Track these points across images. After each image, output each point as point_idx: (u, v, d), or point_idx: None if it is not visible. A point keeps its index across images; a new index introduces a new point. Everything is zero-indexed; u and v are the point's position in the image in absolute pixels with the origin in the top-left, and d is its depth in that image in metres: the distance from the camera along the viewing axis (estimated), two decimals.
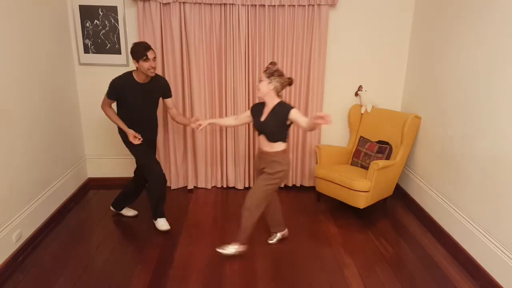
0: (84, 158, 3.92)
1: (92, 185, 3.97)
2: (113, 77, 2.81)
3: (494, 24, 2.50)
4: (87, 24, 3.56)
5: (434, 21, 3.27)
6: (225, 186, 4.03)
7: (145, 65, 2.71)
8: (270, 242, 2.99)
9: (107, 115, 2.92)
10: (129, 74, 2.82)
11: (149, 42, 3.52)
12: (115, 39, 3.60)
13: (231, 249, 2.74)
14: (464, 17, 2.83)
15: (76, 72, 3.69)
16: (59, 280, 2.49)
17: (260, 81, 2.57)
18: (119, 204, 3.31)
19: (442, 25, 3.15)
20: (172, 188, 3.97)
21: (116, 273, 2.59)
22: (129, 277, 2.54)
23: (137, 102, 2.86)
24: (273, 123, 2.56)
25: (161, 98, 3.06)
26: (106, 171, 3.99)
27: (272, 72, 2.52)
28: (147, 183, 3.05)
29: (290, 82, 2.60)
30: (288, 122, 2.55)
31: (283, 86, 2.57)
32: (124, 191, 3.24)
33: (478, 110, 2.64)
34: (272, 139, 2.59)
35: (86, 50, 3.62)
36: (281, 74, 2.54)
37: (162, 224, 3.10)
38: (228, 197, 3.81)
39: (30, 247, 2.83)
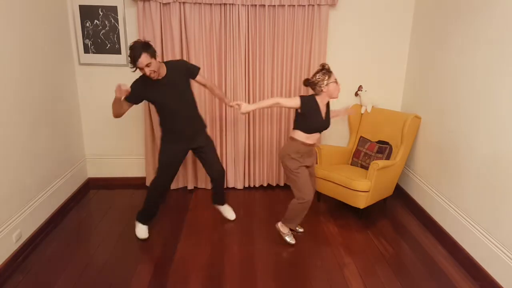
0: (84, 158, 3.92)
1: (92, 185, 3.97)
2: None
3: (494, 24, 2.50)
4: (87, 24, 3.56)
5: (434, 21, 3.27)
6: (224, 186, 4.02)
7: (142, 71, 2.54)
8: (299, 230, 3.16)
9: (112, 110, 2.68)
10: (144, 76, 2.63)
11: None
12: (115, 39, 3.60)
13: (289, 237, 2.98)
14: (464, 17, 2.83)
15: (76, 72, 3.69)
16: (59, 280, 2.49)
17: (337, 82, 2.69)
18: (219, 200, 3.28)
19: (442, 25, 3.15)
20: (172, 188, 3.98)
21: (116, 273, 2.59)
22: (129, 277, 2.54)
23: (166, 99, 2.65)
24: (329, 117, 2.80)
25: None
26: (106, 171, 3.99)
27: (326, 72, 2.68)
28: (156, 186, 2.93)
29: None
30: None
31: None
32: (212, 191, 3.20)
33: (478, 110, 2.64)
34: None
35: (86, 50, 3.62)
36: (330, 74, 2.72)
37: (141, 231, 3.02)
38: (228, 197, 3.81)
39: (30, 247, 2.83)
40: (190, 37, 3.52)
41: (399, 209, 3.62)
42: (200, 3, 3.46)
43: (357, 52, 3.77)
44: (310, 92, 2.76)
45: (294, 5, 3.51)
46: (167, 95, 2.66)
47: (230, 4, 3.46)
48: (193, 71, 2.82)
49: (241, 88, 3.69)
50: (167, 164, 2.85)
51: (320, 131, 2.78)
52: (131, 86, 2.60)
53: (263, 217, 3.40)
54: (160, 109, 2.73)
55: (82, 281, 2.49)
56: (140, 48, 2.46)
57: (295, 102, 2.68)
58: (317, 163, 3.65)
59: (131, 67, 2.56)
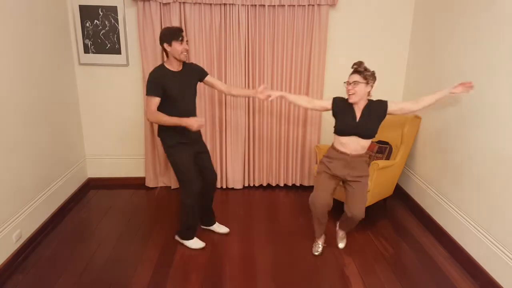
0: (84, 158, 3.92)
1: (92, 185, 3.97)
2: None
3: (495, 22, 2.50)
4: (87, 24, 3.56)
5: (434, 21, 3.27)
6: (224, 186, 4.03)
7: (178, 47, 2.50)
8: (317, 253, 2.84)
9: (159, 121, 2.53)
10: (161, 66, 2.59)
11: (149, 42, 3.53)
12: (115, 39, 3.60)
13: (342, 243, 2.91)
14: (464, 16, 2.83)
15: (76, 72, 3.69)
16: (59, 280, 2.49)
17: (355, 84, 2.44)
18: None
19: (442, 24, 3.15)
20: (172, 188, 3.98)
21: (116, 273, 2.59)
22: (129, 277, 2.55)
23: (180, 93, 2.59)
24: (372, 121, 2.49)
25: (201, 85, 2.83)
26: (106, 171, 3.99)
27: (371, 74, 2.47)
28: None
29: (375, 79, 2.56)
30: (384, 116, 2.53)
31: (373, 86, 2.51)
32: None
33: (478, 110, 2.64)
34: (368, 137, 2.52)
35: (86, 50, 3.62)
36: (374, 74, 2.48)
37: (194, 244, 2.90)
38: (228, 197, 3.82)
39: (30, 247, 2.83)
40: (190, 37, 3.52)
41: (399, 209, 3.62)
42: (200, 3, 3.46)
43: (357, 52, 3.77)
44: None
45: (294, 5, 3.51)
46: (181, 87, 2.61)
47: (230, 4, 3.46)
48: (204, 71, 2.85)
49: (241, 88, 3.69)
50: (187, 167, 2.68)
51: (348, 133, 2.52)
52: (152, 77, 2.52)
53: (263, 217, 3.40)
54: (172, 103, 2.57)
55: (82, 281, 2.49)
56: (179, 27, 2.59)
57: (328, 102, 2.65)
58: (316, 163, 3.65)
59: (170, 41, 2.50)
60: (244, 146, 3.88)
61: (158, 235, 3.05)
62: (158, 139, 3.81)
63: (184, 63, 2.68)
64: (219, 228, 3.14)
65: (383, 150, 3.53)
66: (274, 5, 3.51)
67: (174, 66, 2.60)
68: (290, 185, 4.06)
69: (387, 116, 3.71)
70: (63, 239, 2.99)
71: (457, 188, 2.88)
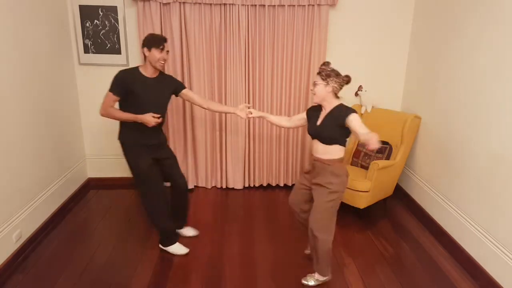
0: (84, 158, 3.92)
1: (92, 185, 3.97)
2: (113, 77, 2.70)
3: (494, 23, 2.50)
4: (87, 24, 3.56)
5: (434, 21, 3.27)
6: (224, 186, 4.03)
7: (157, 54, 2.48)
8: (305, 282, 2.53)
9: (111, 116, 2.53)
10: (135, 68, 2.58)
11: None
12: (115, 39, 3.60)
13: (312, 281, 2.49)
14: (464, 16, 2.83)
15: (76, 72, 3.69)
16: (59, 280, 2.49)
17: (315, 84, 2.32)
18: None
19: (442, 24, 3.15)
20: None
21: (116, 273, 2.59)
22: (129, 277, 2.54)
23: (149, 100, 2.55)
24: (330, 126, 2.30)
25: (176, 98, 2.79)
26: (106, 171, 3.99)
27: (329, 73, 2.28)
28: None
29: (348, 80, 2.33)
30: (346, 126, 2.26)
31: (341, 86, 2.32)
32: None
33: (478, 110, 2.64)
34: (329, 142, 2.32)
35: (86, 50, 3.62)
36: (338, 74, 2.30)
37: (176, 250, 2.82)
38: (228, 197, 3.82)
39: (30, 247, 2.83)
40: (190, 37, 3.52)
41: (399, 209, 3.62)
42: (200, 3, 3.46)
43: (357, 52, 3.77)
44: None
45: (294, 5, 3.51)
46: (150, 94, 2.57)
47: (230, 4, 3.46)
48: (181, 84, 2.79)
49: (241, 88, 3.69)
50: (146, 171, 2.61)
51: (312, 136, 2.42)
52: (120, 76, 2.50)
53: (263, 217, 3.40)
54: (140, 109, 2.52)
55: (82, 281, 2.49)
56: (165, 37, 2.57)
57: (304, 112, 2.57)
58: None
59: (150, 47, 2.48)
60: (244, 146, 3.88)
61: (158, 235, 3.04)
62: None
63: (160, 72, 2.65)
64: (189, 231, 3.06)
65: (383, 150, 3.53)
66: (274, 5, 3.51)
67: (148, 72, 2.57)
68: (290, 185, 4.06)
69: (387, 116, 3.67)
70: (63, 239, 2.99)
71: (457, 188, 2.88)
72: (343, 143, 2.35)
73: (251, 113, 2.75)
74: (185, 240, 2.97)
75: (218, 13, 3.51)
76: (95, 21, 3.55)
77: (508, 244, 2.33)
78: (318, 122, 2.38)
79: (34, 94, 2.95)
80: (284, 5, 3.50)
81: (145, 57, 2.54)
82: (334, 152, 2.34)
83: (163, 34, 3.51)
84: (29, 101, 2.88)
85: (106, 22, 3.56)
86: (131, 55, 3.67)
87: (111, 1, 3.50)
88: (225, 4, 3.48)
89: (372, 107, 3.77)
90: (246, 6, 3.49)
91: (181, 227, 3.05)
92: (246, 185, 4.03)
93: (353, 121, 2.20)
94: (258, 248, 2.91)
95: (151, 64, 2.54)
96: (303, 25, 3.58)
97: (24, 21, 2.81)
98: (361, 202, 3.21)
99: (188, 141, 3.82)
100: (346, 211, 3.53)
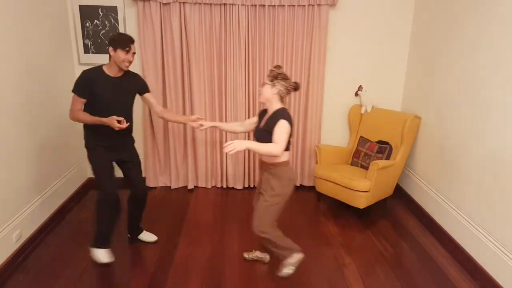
0: (84, 158, 3.91)
1: (92, 185, 3.96)
2: None
3: (494, 23, 2.50)
4: (87, 24, 3.56)
5: (434, 21, 3.27)
6: (224, 186, 4.03)
7: (122, 55, 2.42)
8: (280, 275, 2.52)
9: (80, 120, 2.47)
10: (99, 67, 2.51)
11: (149, 42, 3.54)
12: None
13: (287, 269, 2.46)
14: (464, 16, 2.83)
15: (76, 72, 3.68)
16: (59, 280, 2.49)
17: (262, 85, 2.34)
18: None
19: (442, 24, 3.15)
20: (172, 187, 3.98)
21: (116, 273, 2.59)
22: (129, 277, 2.54)
23: (112, 99, 2.51)
24: (268, 129, 2.27)
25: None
26: None
27: (276, 75, 2.29)
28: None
29: (295, 86, 2.33)
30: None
31: (287, 91, 2.31)
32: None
33: (478, 110, 2.64)
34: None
35: (86, 50, 3.62)
36: (285, 78, 2.30)
37: (101, 255, 2.68)
38: (228, 197, 3.82)
39: (30, 247, 2.83)
40: (190, 37, 3.52)
41: (399, 209, 3.62)
42: (200, 3, 3.46)
43: (357, 52, 3.77)
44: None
45: (294, 5, 3.51)
46: (113, 94, 2.52)
47: (230, 4, 3.46)
48: (146, 87, 2.74)
49: (241, 88, 3.69)
50: (100, 171, 2.60)
51: (256, 139, 2.39)
52: (83, 77, 2.45)
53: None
54: (104, 109, 2.49)
55: (82, 281, 2.49)
56: (132, 37, 2.49)
57: (255, 118, 2.56)
58: (317, 163, 3.65)
59: (116, 47, 2.42)
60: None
61: (158, 235, 3.05)
62: (158, 139, 3.81)
63: (126, 71, 2.58)
64: (146, 236, 2.98)
65: (383, 150, 3.53)
66: (274, 5, 3.51)
67: (112, 71, 2.51)
68: None
69: (387, 116, 3.68)
70: (63, 239, 2.99)
71: (457, 188, 2.88)
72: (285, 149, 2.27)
73: (202, 125, 2.70)
74: (186, 241, 2.98)
75: (218, 13, 3.51)
76: (95, 21, 3.55)
77: (507, 243, 2.33)
78: (261, 125, 2.38)
79: (34, 94, 2.95)
80: (284, 5, 3.50)
81: (110, 55, 2.48)
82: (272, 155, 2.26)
83: (163, 34, 3.51)
84: (29, 101, 2.87)
85: (106, 22, 3.56)
86: None
87: (111, 1, 3.50)
88: (225, 4, 3.48)
89: (372, 107, 3.77)
90: (246, 6, 3.49)
91: (138, 234, 2.97)
92: (246, 185, 4.03)
93: (277, 126, 2.20)
94: (258, 248, 2.91)
95: (116, 64, 2.48)
96: (303, 25, 3.58)
97: (24, 21, 2.81)
98: (361, 202, 3.21)
99: (188, 141, 3.82)
100: (346, 211, 3.53)
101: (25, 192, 2.84)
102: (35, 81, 2.95)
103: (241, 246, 2.94)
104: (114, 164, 2.72)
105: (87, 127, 2.58)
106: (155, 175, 3.97)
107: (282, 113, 2.26)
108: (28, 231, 2.86)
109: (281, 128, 2.20)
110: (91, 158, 2.63)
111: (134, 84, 2.67)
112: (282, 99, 2.35)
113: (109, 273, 2.58)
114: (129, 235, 3.00)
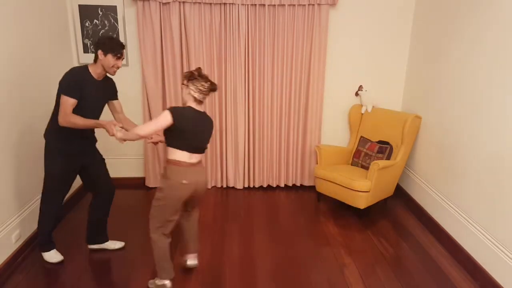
0: None
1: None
2: (112, 77, 2.65)
3: (495, 23, 2.49)
4: (87, 24, 3.55)
5: (434, 21, 3.27)
6: (224, 186, 4.02)
7: (112, 61, 2.36)
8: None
9: (75, 124, 2.32)
10: (85, 68, 2.42)
11: (149, 42, 3.53)
12: None
13: (152, 284, 2.40)
14: (464, 16, 2.83)
15: None
16: (59, 280, 2.49)
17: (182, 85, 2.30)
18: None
19: (442, 24, 3.15)
20: None
21: (116, 273, 2.59)
22: (129, 277, 2.54)
23: (92, 101, 2.44)
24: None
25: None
26: None
27: (188, 75, 2.23)
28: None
29: (211, 87, 2.24)
30: (172, 127, 2.17)
31: (200, 91, 2.21)
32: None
33: (478, 110, 2.64)
34: (166, 142, 2.27)
35: (86, 50, 3.62)
36: (197, 79, 2.22)
37: (50, 257, 2.68)
38: (228, 197, 3.81)
39: (30, 247, 2.82)
40: (190, 37, 3.51)
41: (400, 209, 3.62)
42: (200, 3, 3.46)
43: (357, 52, 3.77)
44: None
45: (294, 5, 3.51)
46: (94, 97, 2.47)
47: (230, 3, 3.46)
48: (116, 94, 2.68)
49: (241, 88, 3.69)
50: (61, 178, 2.54)
51: None
52: (74, 77, 2.36)
53: (263, 218, 3.40)
54: (83, 112, 2.39)
55: (82, 281, 2.49)
56: (121, 42, 2.43)
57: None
58: (317, 163, 3.65)
59: (107, 52, 2.35)
60: (244, 146, 3.88)
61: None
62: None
63: (106, 76, 2.53)
64: (114, 244, 2.89)
65: (384, 150, 3.53)
66: (274, 5, 3.50)
67: (96, 74, 2.43)
68: (291, 185, 4.05)
69: (387, 116, 3.69)
70: (63, 239, 2.98)
71: (457, 188, 2.88)
72: (172, 145, 2.25)
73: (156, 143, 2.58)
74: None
75: (218, 13, 3.51)
76: (95, 20, 3.54)
77: (507, 243, 2.32)
78: None
79: (34, 94, 2.94)
80: (284, 5, 3.50)
81: (96, 57, 2.39)
82: (169, 152, 2.27)
83: (163, 34, 3.51)
84: (29, 100, 2.87)
85: (106, 22, 3.55)
86: (131, 55, 3.66)
87: (110, 0, 3.50)
88: (225, 4, 3.48)
89: (373, 107, 3.77)
90: (246, 6, 3.48)
91: (105, 241, 2.87)
92: (246, 185, 4.03)
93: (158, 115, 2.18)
94: (258, 248, 2.91)
95: (103, 68, 2.41)
96: (303, 24, 3.57)
97: (23, 21, 2.80)
98: (362, 202, 3.21)
99: None
100: (346, 211, 3.53)
101: (25, 192, 2.84)
102: (34, 81, 2.95)
103: (241, 246, 2.94)
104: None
105: (59, 130, 2.40)
106: (155, 175, 3.97)
107: (177, 108, 2.20)
108: (28, 232, 2.86)
109: (156, 118, 2.17)
110: (51, 165, 2.50)
111: (110, 90, 2.61)
112: (196, 99, 2.25)
113: (109, 273, 2.58)
114: (91, 246, 2.85)
